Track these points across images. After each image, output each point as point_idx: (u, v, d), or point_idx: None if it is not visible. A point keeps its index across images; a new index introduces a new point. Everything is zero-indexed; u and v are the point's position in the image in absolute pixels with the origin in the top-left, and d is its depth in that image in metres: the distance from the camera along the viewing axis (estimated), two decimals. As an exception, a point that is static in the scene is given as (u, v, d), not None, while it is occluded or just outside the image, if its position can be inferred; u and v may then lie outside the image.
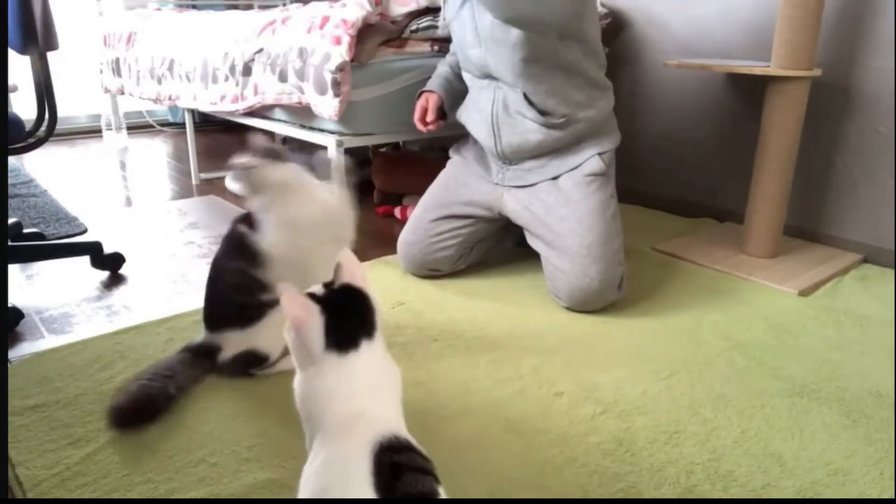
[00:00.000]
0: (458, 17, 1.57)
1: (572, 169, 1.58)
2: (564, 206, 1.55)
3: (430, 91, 1.72)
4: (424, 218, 1.72)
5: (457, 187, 1.72)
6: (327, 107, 1.86)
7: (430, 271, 1.72)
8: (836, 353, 1.37)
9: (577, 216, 1.53)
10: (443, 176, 1.79)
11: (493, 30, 1.46)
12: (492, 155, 1.67)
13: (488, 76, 1.58)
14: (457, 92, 1.72)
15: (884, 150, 1.81)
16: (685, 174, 2.30)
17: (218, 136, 3.87)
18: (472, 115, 1.65)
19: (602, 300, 1.52)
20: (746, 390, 1.23)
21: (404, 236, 1.75)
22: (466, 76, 1.67)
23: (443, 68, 1.78)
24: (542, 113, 1.53)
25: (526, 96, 1.52)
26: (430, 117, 1.68)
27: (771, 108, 1.76)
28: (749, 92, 2.06)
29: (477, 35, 1.52)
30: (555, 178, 1.59)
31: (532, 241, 1.64)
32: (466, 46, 1.58)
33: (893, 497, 0.97)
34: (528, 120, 1.54)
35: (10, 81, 1.72)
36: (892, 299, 1.62)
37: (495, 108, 1.57)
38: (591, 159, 1.57)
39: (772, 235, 1.85)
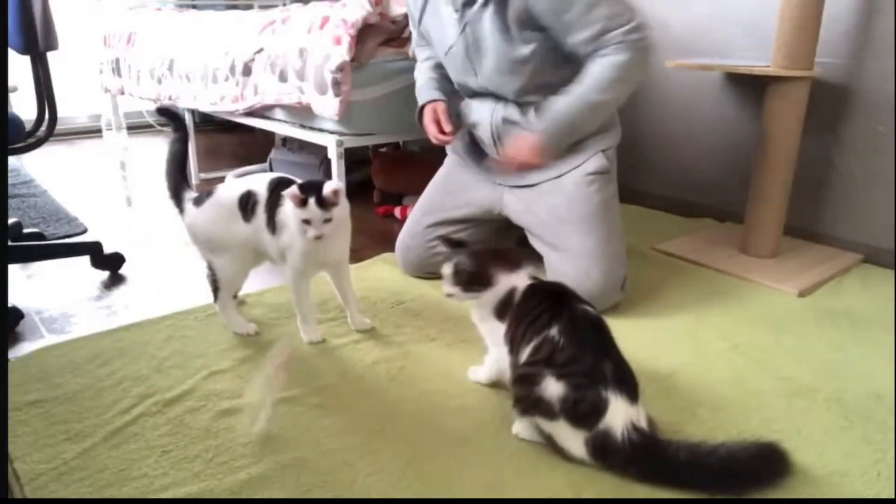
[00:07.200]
0: (448, 51, 1.55)
1: (575, 167, 1.55)
2: (566, 208, 1.53)
3: (431, 101, 1.61)
4: (421, 223, 1.70)
5: (454, 188, 1.70)
6: (328, 107, 1.87)
7: (430, 273, 1.71)
8: (836, 353, 1.37)
9: (579, 218, 1.51)
10: (440, 175, 1.76)
11: (500, 64, 1.45)
12: (493, 157, 1.66)
13: (486, 93, 1.57)
14: (454, 90, 1.68)
15: (884, 150, 1.81)
16: (685, 174, 2.30)
17: (218, 136, 3.88)
18: (472, 118, 1.62)
19: (605, 301, 1.51)
20: (746, 390, 1.22)
21: (402, 239, 1.73)
22: (460, 90, 1.64)
23: (430, 73, 1.67)
24: None
25: (526, 107, 1.52)
26: (446, 127, 1.57)
27: (771, 108, 1.76)
28: (749, 92, 2.06)
29: (472, 66, 1.52)
30: (557, 177, 1.58)
31: (534, 242, 1.62)
32: (459, 72, 1.57)
33: (892, 497, 0.96)
34: (529, 130, 1.52)
35: (10, 81, 1.72)
36: (892, 299, 1.62)
37: (494, 120, 1.56)
38: (593, 157, 1.54)
39: (772, 235, 1.85)
